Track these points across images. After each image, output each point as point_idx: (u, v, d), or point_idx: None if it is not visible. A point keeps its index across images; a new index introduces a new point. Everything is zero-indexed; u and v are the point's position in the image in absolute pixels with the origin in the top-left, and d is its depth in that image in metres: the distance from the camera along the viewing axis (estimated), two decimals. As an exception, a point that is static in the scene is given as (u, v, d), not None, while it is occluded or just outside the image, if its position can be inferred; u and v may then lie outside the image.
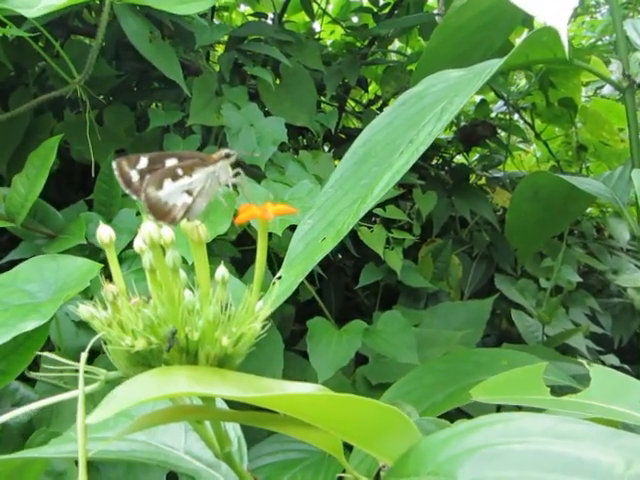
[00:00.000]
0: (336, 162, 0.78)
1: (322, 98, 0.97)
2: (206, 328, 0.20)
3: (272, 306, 0.22)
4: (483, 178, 1.17)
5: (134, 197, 0.22)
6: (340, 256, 0.97)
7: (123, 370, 0.21)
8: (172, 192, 0.22)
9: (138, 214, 0.57)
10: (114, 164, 0.22)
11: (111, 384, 0.21)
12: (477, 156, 1.21)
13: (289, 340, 0.68)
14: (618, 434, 0.19)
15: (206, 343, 0.20)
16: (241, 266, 0.62)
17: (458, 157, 1.16)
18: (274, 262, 0.68)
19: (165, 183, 0.22)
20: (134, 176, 0.22)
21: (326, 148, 1.04)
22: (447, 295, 0.94)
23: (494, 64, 0.42)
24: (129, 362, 0.20)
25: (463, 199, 0.99)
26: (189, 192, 0.22)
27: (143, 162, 0.22)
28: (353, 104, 1.17)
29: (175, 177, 0.22)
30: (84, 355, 0.20)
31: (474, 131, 1.06)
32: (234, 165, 0.24)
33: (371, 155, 0.43)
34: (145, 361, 0.20)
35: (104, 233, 0.22)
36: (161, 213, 0.22)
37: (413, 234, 0.85)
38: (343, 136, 1.02)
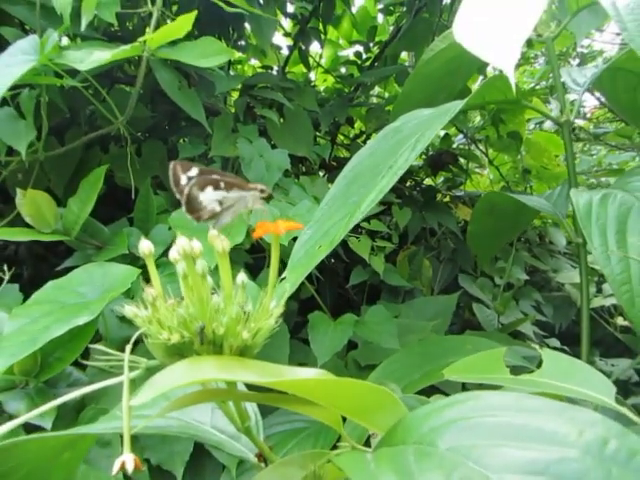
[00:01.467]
0: (330, 185, 0.77)
1: (317, 133, 0.97)
2: (229, 324, 0.19)
3: (279, 302, 0.22)
4: (448, 196, 1.17)
5: (177, 195, 0.22)
6: (333, 261, 0.96)
7: (160, 359, 0.20)
8: (209, 197, 0.22)
9: (170, 229, 0.56)
10: (171, 165, 0.22)
11: (150, 371, 0.21)
12: (442, 179, 1.21)
13: (293, 330, 0.67)
14: (570, 408, 0.19)
15: (230, 337, 0.20)
16: (254, 270, 0.62)
17: (427, 180, 1.16)
18: (279, 265, 0.68)
19: (207, 188, 0.22)
20: (183, 179, 0.22)
21: (321, 174, 1.04)
22: (420, 292, 0.93)
23: (457, 105, 0.41)
24: (165, 353, 0.20)
25: (432, 214, 0.99)
26: (221, 203, 0.22)
27: (194, 171, 0.22)
28: (342, 138, 1.17)
29: (217, 187, 0.22)
30: (128, 347, 0.19)
31: (440, 159, 1.06)
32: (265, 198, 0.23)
33: (358, 178, 0.42)
34: (179, 352, 0.20)
35: (145, 246, 0.21)
36: (193, 209, 0.22)
37: (392, 242, 0.85)
38: (335, 164, 1.02)
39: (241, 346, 0.20)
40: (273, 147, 0.70)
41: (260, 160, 0.65)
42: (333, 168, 1.00)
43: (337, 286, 0.94)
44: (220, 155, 0.70)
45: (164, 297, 0.21)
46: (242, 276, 0.21)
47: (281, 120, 0.80)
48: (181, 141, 0.85)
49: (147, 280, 0.22)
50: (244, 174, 0.64)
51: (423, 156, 1.09)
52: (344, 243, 0.76)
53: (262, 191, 0.23)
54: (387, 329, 0.60)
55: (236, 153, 0.68)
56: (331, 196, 0.41)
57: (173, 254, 0.22)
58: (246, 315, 0.20)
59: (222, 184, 0.22)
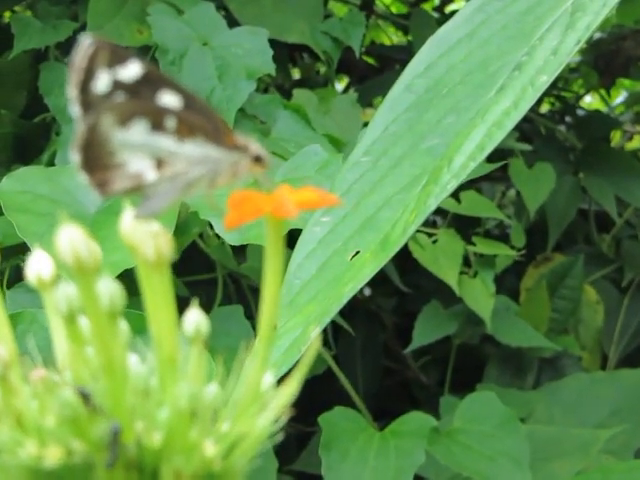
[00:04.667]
0: (367, 112, 0.78)
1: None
2: (175, 425, 0.20)
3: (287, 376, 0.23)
4: (637, 138, 1.17)
5: (74, 110, 0.22)
6: (371, 291, 0.97)
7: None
8: (135, 145, 0.22)
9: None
10: (85, 42, 0.21)
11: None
12: (624, 95, 1.21)
13: (283, 452, 0.68)
14: None
15: (175, 452, 0.20)
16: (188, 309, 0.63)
17: (589, 98, 1.17)
18: (251, 303, 0.69)
19: (135, 125, 0.22)
20: (103, 81, 0.22)
21: (340, 86, 1.05)
22: (576, 361, 0.94)
23: None
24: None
25: (602, 177, 0.99)
26: (159, 163, 0.22)
27: (133, 71, 0.22)
28: (388, 1, 1.18)
29: (158, 126, 0.22)
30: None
31: (618, 50, 1.07)
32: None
33: (441, 93, 0.43)
34: (61, 486, 0.20)
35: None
36: (95, 164, 0.22)
37: (512, 246, 0.85)
38: (374, 62, 1.03)
39: (201, 475, 0.21)
40: (232, 24, 0.71)
41: (203, 54, 0.66)
42: (369, 72, 1.01)
43: (380, 349, 0.94)
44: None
45: (23, 365, 0.22)
46: (196, 315, 0.22)
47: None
48: (15, 11, 0.86)
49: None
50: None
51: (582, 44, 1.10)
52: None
53: (258, 159, 0.24)
54: (506, 448, 0.60)
55: (146, 39, 0.69)
56: (379, 134, 0.42)
57: (39, 269, 0.23)
58: (212, 405, 0.21)
59: (173, 122, 0.22)
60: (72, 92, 0.22)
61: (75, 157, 0.22)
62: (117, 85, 0.22)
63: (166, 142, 0.22)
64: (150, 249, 0.21)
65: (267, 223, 0.21)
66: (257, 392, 0.21)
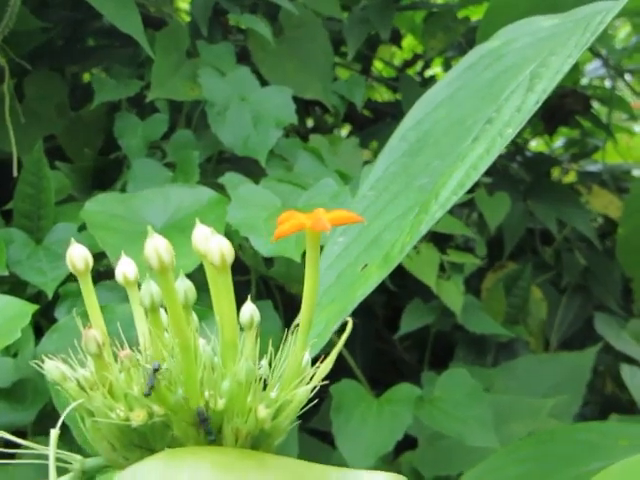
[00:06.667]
0: (365, 153, 0.78)
1: (338, 59, 0.98)
2: (235, 393, 0.20)
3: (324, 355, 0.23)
4: (572, 173, 1.17)
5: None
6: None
7: (107, 455, 0.21)
8: None
9: (81, 230, 0.57)
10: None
11: (88, 475, 0.21)
12: (563, 141, 1.21)
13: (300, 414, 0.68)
14: None
15: (235, 415, 0.20)
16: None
17: (536, 142, 1.17)
18: (278, 299, 0.69)
19: None
20: None
21: (344, 133, 1.05)
22: (526, 345, 0.93)
23: (610, 7, 0.42)
24: (120, 443, 0.20)
25: (545, 204, 0.99)
26: None
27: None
28: (380, 67, 1.18)
29: None
30: (55, 433, 0.20)
31: (559, 105, 1.07)
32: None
33: (429, 142, 0.43)
34: (143, 442, 0.20)
35: (77, 255, 0.22)
36: None
37: (477, 256, 0.85)
38: (369, 114, 1.02)
39: (254, 432, 0.20)
40: (263, 84, 0.71)
41: (242, 107, 0.66)
42: (365, 121, 1.01)
43: (375, 335, 0.94)
44: (167, 98, 0.71)
45: (112, 345, 0.22)
46: (250, 308, 0.22)
47: (275, 35, 0.81)
48: (93, 73, 0.86)
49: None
50: (214, 132, 0.64)
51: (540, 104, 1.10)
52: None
53: None
54: (474, 412, 0.60)
55: (196, 95, 0.69)
56: (381, 174, 0.42)
57: (125, 269, 0.22)
58: (262, 378, 0.21)
59: None
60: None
61: None
62: None
63: None
64: (216, 256, 0.21)
65: (307, 235, 0.21)
66: (298, 368, 0.22)
